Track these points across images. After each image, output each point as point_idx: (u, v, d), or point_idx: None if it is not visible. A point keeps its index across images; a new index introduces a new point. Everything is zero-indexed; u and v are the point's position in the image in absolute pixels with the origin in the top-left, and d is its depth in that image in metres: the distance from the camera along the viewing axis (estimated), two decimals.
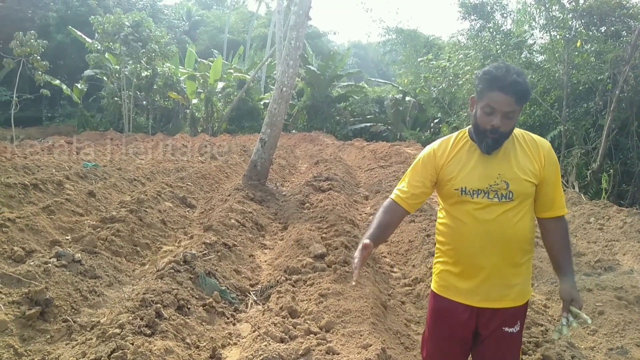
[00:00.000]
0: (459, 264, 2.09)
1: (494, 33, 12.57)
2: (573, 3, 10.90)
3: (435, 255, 2.23)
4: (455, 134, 2.15)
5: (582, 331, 3.79)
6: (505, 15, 13.19)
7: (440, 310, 2.18)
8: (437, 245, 2.22)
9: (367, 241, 1.94)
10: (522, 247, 2.04)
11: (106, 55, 19.69)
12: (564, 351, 3.01)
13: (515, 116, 1.94)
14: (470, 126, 2.08)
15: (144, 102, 21.47)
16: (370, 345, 2.97)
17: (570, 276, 2.09)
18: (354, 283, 1.94)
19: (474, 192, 2.00)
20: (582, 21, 10.98)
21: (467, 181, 2.01)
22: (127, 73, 19.44)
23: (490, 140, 1.96)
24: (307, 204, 7.22)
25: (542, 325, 3.42)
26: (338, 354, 2.90)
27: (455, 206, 2.07)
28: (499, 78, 1.88)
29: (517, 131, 2.07)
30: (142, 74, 20.26)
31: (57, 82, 20.30)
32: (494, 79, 1.90)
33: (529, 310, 3.65)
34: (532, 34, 13.13)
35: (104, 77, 21.35)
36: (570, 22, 10.98)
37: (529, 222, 2.04)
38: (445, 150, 2.09)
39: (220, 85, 22.23)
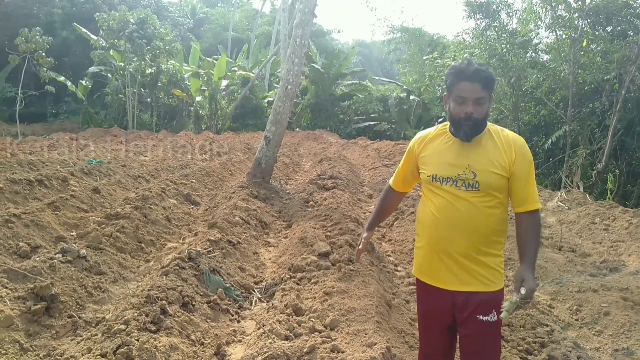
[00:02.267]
0: (428, 247, 2.24)
1: (500, 32, 12.51)
2: (579, 2, 10.83)
3: (415, 240, 2.42)
4: (439, 125, 2.30)
5: (587, 332, 3.78)
6: (510, 14, 13.13)
7: (420, 293, 2.37)
8: (416, 230, 2.39)
9: (365, 234, 2.59)
10: (488, 237, 2.13)
11: (111, 52, 19.74)
12: (570, 351, 3.00)
13: (485, 102, 2.08)
14: None
15: (148, 99, 21.51)
16: (375, 344, 2.96)
17: (528, 263, 2.11)
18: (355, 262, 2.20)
19: (444, 179, 2.15)
20: (588, 21, 10.91)
21: (439, 169, 2.17)
22: (131, 70, 19.48)
23: (467, 127, 2.09)
24: (311, 202, 7.22)
25: (547, 325, 3.41)
26: (343, 352, 2.90)
27: (428, 192, 2.25)
28: (463, 69, 2.07)
29: (494, 127, 2.20)
30: (147, 71, 20.30)
31: (62, 78, 20.37)
32: (459, 72, 2.08)
33: (534, 310, 3.65)
34: (538, 33, 13.09)
35: (109, 74, 21.40)
36: (576, 22, 10.91)
37: (497, 214, 2.14)
38: (424, 140, 2.29)
39: (224, 82, 22.24)
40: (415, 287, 4.53)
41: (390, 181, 2.53)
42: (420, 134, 2.36)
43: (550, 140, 10.73)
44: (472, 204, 2.10)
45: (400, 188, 2.52)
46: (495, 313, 2.15)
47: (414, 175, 2.39)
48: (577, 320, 3.98)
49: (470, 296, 2.15)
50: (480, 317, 2.14)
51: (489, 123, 2.19)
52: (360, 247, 2.57)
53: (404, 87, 22.33)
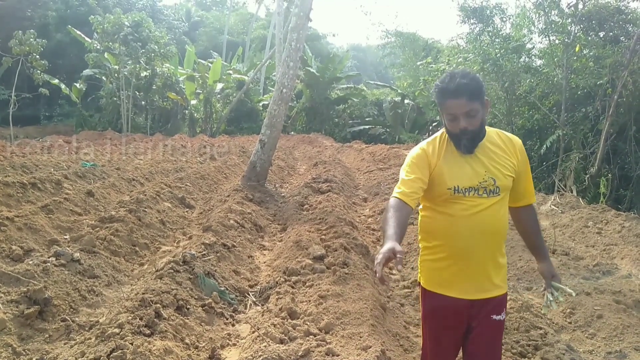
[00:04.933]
0: (449, 259, 2.18)
1: (493, 37, 12.59)
2: (572, 8, 10.94)
3: (422, 253, 2.32)
4: (437, 135, 2.24)
5: (580, 334, 3.80)
6: (504, 19, 13.23)
7: (434, 306, 2.28)
8: (423, 244, 2.32)
9: (400, 248, 1.82)
10: (503, 237, 2.23)
11: (105, 55, 19.68)
12: (563, 354, 3.01)
13: (476, 113, 2.06)
14: None
15: (143, 102, 21.46)
16: (370, 347, 2.96)
17: (547, 256, 2.35)
18: (378, 277, 1.81)
19: (466, 190, 2.11)
20: (581, 26, 11.01)
21: (459, 180, 2.11)
22: (126, 73, 19.43)
23: (465, 141, 2.09)
24: (306, 206, 7.22)
25: (541, 328, 3.42)
26: (338, 355, 2.90)
27: (444, 204, 2.16)
28: (445, 88, 2.05)
29: (493, 131, 2.23)
30: (141, 74, 20.26)
31: (56, 81, 20.30)
32: (442, 90, 2.07)
33: (527, 313, 3.67)
34: (531, 38, 13.18)
35: (103, 77, 21.34)
36: (569, 27, 11.01)
37: (507, 214, 2.23)
38: (434, 150, 2.18)
39: (219, 86, 22.25)
40: (410, 290, 4.57)
41: (401, 196, 2.07)
42: (425, 144, 2.22)
43: (545, 145, 10.80)
44: (493, 208, 2.12)
45: (414, 204, 2.11)
46: (505, 311, 2.26)
47: (425, 187, 2.13)
48: (570, 323, 4.00)
49: (487, 301, 2.19)
50: (494, 316, 2.21)
51: (487, 127, 2.20)
52: (384, 260, 1.83)
53: (399, 91, 22.44)
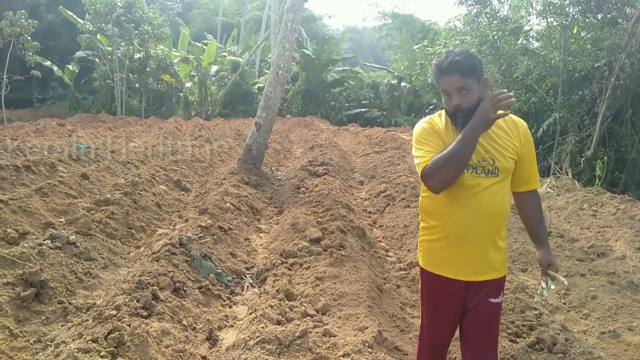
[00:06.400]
0: (447, 239, 2.19)
1: (491, 19, 12.46)
2: None
3: (421, 233, 2.34)
4: (436, 114, 2.24)
5: (575, 315, 3.84)
6: (502, 1, 13.09)
7: (431, 287, 2.31)
8: (422, 224, 2.33)
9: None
10: (504, 220, 2.20)
11: (98, 36, 19.37)
12: (558, 334, 3.04)
13: (470, 90, 2.05)
14: None
15: (137, 85, 21.20)
16: (367, 328, 2.99)
17: (547, 244, 2.34)
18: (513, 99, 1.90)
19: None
20: (579, 8, 10.90)
21: None
22: (119, 55, 19.16)
23: (460, 119, 2.07)
24: (302, 189, 7.21)
25: (536, 309, 3.45)
26: (335, 336, 2.92)
27: None
28: (440, 65, 2.07)
29: None
30: (135, 56, 19.97)
31: (48, 63, 19.96)
32: (437, 68, 2.09)
33: (522, 294, 3.70)
34: (529, 20, 13.08)
35: (96, 59, 21.02)
36: (567, 9, 10.90)
37: (508, 197, 2.20)
38: (439, 125, 2.19)
39: (214, 68, 21.99)
40: (406, 272, 4.59)
41: (431, 157, 2.07)
42: (427, 120, 2.22)
43: (541, 128, 10.78)
44: (492, 190, 2.10)
45: None
46: (502, 294, 2.28)
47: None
48: (565, 304, 4.04)
49: (484, 283, 2.20)
50: (492, 299, 2.22)
51: None
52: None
53: (395, 73, 22.29)
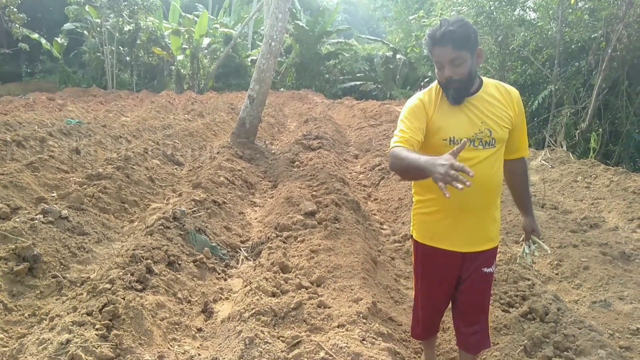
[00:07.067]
0: (443, 212, 2.18)
1: None
2: None
3: (415, 206, 2.33)
4: (433, 86, 2.18)
5: (567, 285, 3.88)
6: None
7: (426, 258, 2.31)
8: (416, 197, 2.32)
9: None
10: (499, 190, 2.20)
11: (86, 8, 18.88)
12: (550, 304, 3.07)
13: (462, 62, 1.99)
14: None
15: (128, 58, 20.83)
16: (361, 299, 3.00)
17: (531, 211, 2.45)
18: (461, 186, 1.60)
19: (462, 141, 2.02)
20: None
21: (455, 131, 2.07)
22: (108, 27, 18.74)
23: (452, 91, 2.05)
24: (296, 163, 7.17)
25: (528, 279, 3.48)
26: (329, 307, 2.93)
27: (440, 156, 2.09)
28: (433, 35, 2.00)
29: (491, 82, 2.17)
30: (125, 28, 19.55)
31: (36, 36, 19.49)
32: (430, 38, 2.02)
33: (515, 265, 3.73)
34: None
35: (85, 31, 20.56)
36: None
37: (502, 167, 2.20)
38: (430, 101, 2.13)
39: (206, 41, 21.57)
40: (400, 244, 4.61)
41: (402, 143, 1.98)
42: (421, 94, 2.16)
43: (537, 101, 10.72)
44: (488, 160, 2.09)
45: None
46: (495, 264, 2.32)
47: (422, 136, 2.05)
48: (557, 274, 4.08)
49: (479, 254, 2.22)
50: (484, 269, 2.25)
51: (484, 78, 2.15)
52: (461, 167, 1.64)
53: (391, 45, 21.96)
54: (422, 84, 20.59)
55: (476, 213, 2.15)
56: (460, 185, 1.57)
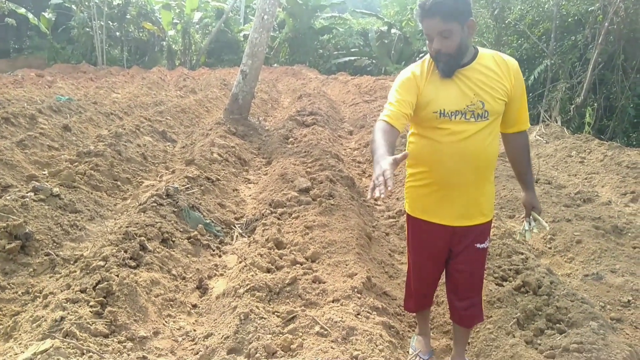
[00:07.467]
0: (434, 185, 2.17)
1: None
2: None
3: (408, 179, 2.31)
4: (426, 58, 2.14)
5: (560, 259, 3.91)
6: None
7: (417, 231, 2.32)
8: (409, 170, 2.30)
9: (397, 156, 1.72)
10: (492, 163, 2.16)
11: None
12: (543, 277, 3.09)
13: (451, 35, 1.95)
14: None
15: (117, 33, 20.41)
16: (356, 274, 3.01)
17: (532, 187, 2.36)
18: (383, 195, 1.60)
19: (452, 113, 2.04)
20: None
21: (446, 103, 2.04)
22: (97, 1, 18.29)
23: (442, 64, 2.01)
24: (291, 139, 7.12)
25: (522, 253, 3.50)
26: (324, 282, 2.94)
27: (431, 129, 2.10)
28: (423, 5, 1.96)
29: (488, 52, 2.12)
30: (114, 2, 19.10)
31: (23, 10, 19.00)
32: (420, 10, 1.99)
33: (509, 240, 3.74)
34: None
35: (73, 6, 20.06)
36: None
37: (497, 140, 2.16)
38: (422, 73, 2.10)
39: (197, 15, 21.15)
40: (395, 220, 4.61)
41: (389, 119, 1.95)
42: (414, 66, 2.14)
43: (532, 76, 10.64)
44: (481, 134, 2.05)
45: (401, 128, 1.97)
46: (489, 239, 2.30)
47: (412, 111, 2.04)
48: (550, 248, 4.11)
49: (470, 228, 2.20)
50: (478, 245, 2.24)
51: (481, 49, 2.10)
52: (387, 178, 1.64)
53: (385, 20, 21.62)
54: (417, 59, 20.27)
55: (467, 187, 2.13)
56: (377, 193, 1.60)
